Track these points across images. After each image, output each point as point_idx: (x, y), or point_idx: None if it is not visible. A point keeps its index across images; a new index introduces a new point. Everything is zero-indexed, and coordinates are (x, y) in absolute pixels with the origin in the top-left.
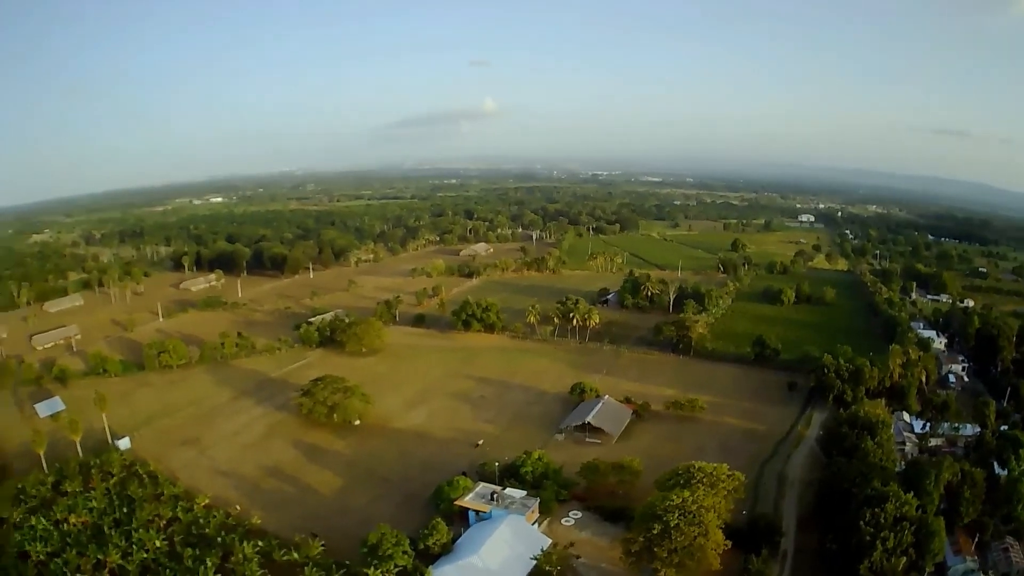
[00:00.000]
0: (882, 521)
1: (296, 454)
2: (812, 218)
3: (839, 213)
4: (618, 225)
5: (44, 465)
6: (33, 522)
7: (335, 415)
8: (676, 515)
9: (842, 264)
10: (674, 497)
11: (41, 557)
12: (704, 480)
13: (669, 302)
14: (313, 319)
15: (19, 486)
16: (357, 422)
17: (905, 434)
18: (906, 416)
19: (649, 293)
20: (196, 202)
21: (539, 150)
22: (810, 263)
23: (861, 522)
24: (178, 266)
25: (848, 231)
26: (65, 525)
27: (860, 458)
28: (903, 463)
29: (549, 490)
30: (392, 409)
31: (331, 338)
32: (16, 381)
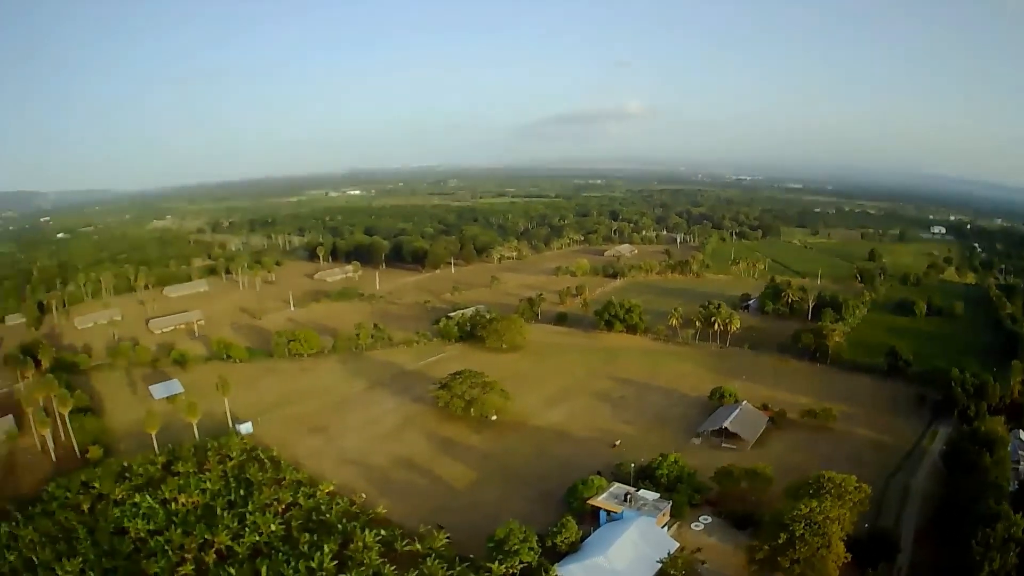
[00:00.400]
0: (992, 541)
1: (429, 446)
2: (943, 230)
3: (968, 226)
4: (760, 231)
5: (156, 446)
6: (137, 499)
7: (472, 410)
8: (802, 525)
9: (970, 278)
10: (802, 507)
11: (141, 534)
12: (832, 491)
13: (808, 310)
14: (453, 314)
15: (125, 464)
16: (494, 417)
17: (1020, 453)
18: (1022, 434)
19: (789, 300)
20: (332, 194)
21: (683, 152)
22: (941, 276)
23: (973, 541)
24: (312, 256)
25: (976, 244)
26: (173, 505)
27: (978, 475)
28: (1016, 483)
29: (682, 494)
30: (531, 406)
31: (471, 333)
32: (130, 363)
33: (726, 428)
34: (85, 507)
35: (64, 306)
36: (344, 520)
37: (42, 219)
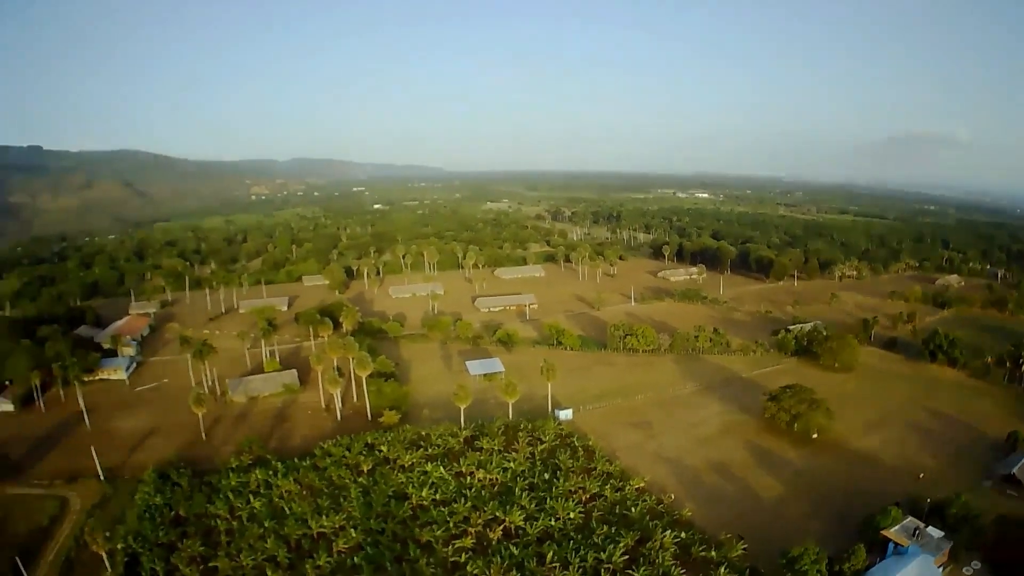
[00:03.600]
0: None
1: (746, 455)
2: None
3: None
4: None
5: (462, 420)
6: (428, 468)
7: (796, 425)
8: None
9: None
10: None
11: (424, 503)
12: None
13: None
14: (792, 327)
15: (423, 433)
16: (815, 435)
17: None
18: None
19: None
20: (680, 195)
21: (1006, 186)
22: None
23: None
24: (656, 255)
25: None
26: (468, 479)
27: None
28: None
29: (963, 535)
30: (850, 428)
31: (807, 349)
32: (448, 337)
33: (1014, 474)
34: (365, 468)
35: (378, 274)
36: (647, 518)
37: (355, 188)
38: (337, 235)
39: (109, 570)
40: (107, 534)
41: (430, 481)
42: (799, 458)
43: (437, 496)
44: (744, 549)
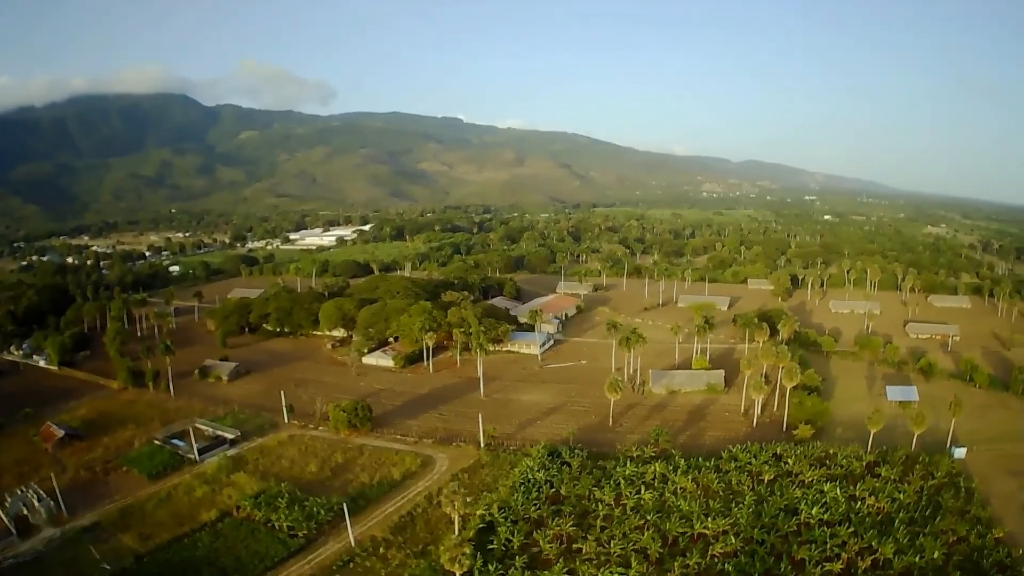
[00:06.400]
0: None
1: None
2: None
3: None
4: None
5: (869, 445)
6: (826, 488)
7: None
8: None
9: None
10: None
11: (811, 521)
12: None
13: None
14: None
15: (830, 451)
16: None
17: None
18: None
19: None
20: None
21: None
22: None
23: None
24: None
25: None
26: (858, 504)
27: None
28: None
29: None
30: None
31: None
32: (875, 359)
33: None
34: (766, 477)
35: (822, 286)
36: (994, 569)
37: (807, 197)
38: (786, 242)
39: (456, 533)
40: (468, 499)
41: (823, 500)
42: None
43: (825, 516)
44: None
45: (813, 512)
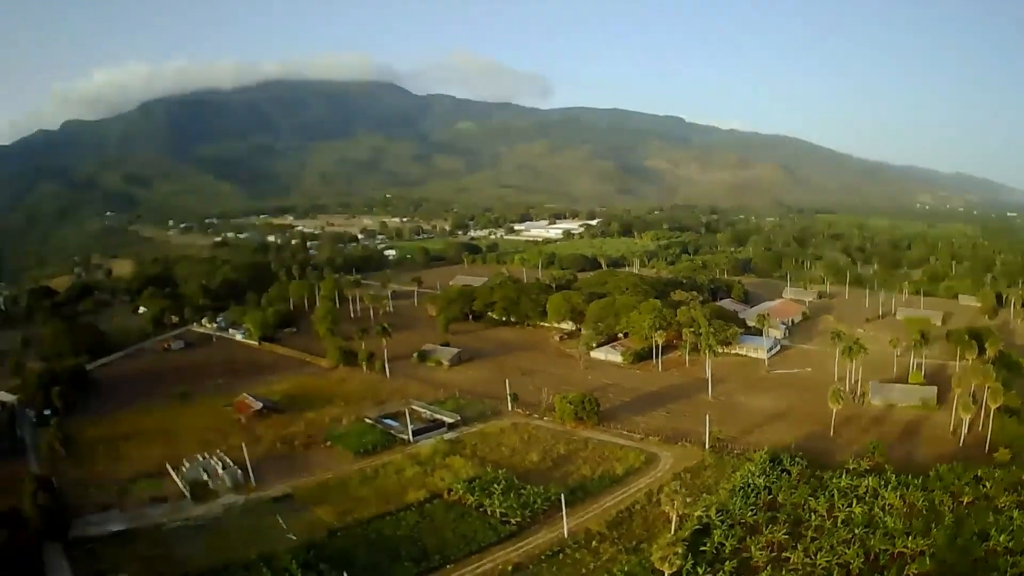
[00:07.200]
0: None
1: None
2: None
3: None
4: None
5: None
6: (1015, 515)
7: None
8: None
9: None
10: None
11: (999, 547)
12: None
13: None
14: None
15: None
16: None
17: None
18: None
19: None
20: None
21: None
22: None
23: None
24: None
25: None
26: None
27: None
28: None
29: None
30: None
31: None
32: None
33: None
34: (965, 500)
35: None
36: None
37: (1009, 213)
38: (992, 258)
39: (671, 532)
40: (687, 499)
41: (1011, 528)
42: None
43: (1011, 544)
44: None
45: (1001, 539)
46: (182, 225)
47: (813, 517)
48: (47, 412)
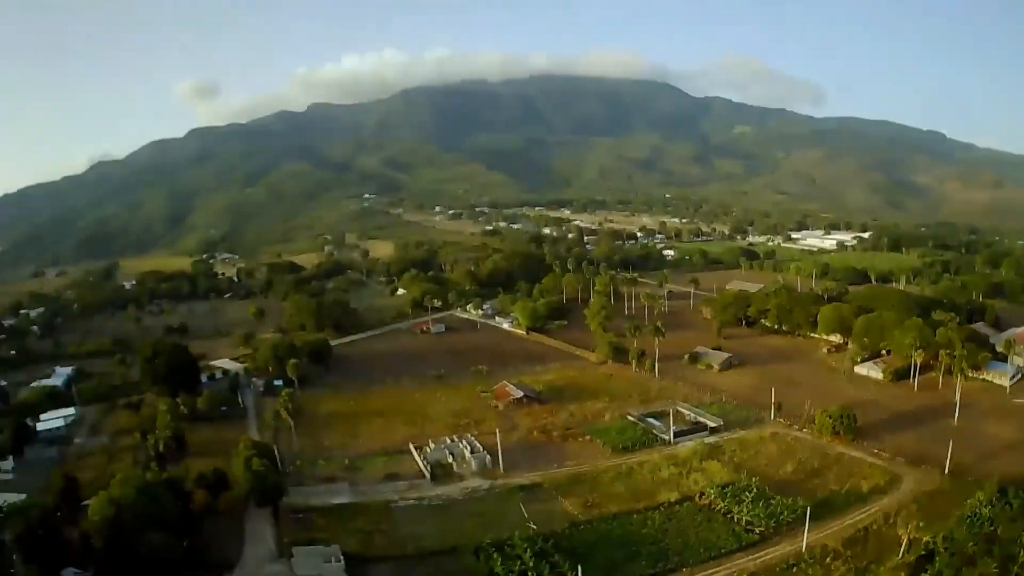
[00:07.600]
0: None
1: None
2: None
3: None
4: None
5: None
6: None
7: None
8: None
9: None
10: None
11: None
12: None
13: None
14: None
15: None
16: None
17: None
18: None
19: None
20: None
21: None
22: None
23: None
24: None
25: None
26: None
27: None
28: None
29: None
30: None
31: None
32: None
33: None
34: None
35: None
36: None
37: None
38: None
39: (899, 556)
40: (921, 523)
41: None
42: None
43: None
44: None
45: None
46: (451, 212)
47: (1023, 553)
48: (277, 382)
